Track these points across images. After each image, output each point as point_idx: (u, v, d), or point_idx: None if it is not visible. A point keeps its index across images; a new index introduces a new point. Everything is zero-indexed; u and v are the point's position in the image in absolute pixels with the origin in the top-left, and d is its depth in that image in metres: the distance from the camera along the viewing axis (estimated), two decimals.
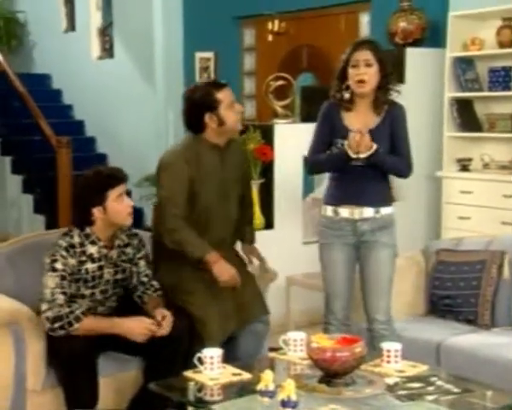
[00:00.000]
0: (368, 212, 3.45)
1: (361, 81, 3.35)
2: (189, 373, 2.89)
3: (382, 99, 3.41)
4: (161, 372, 3.08)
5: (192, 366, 2.91)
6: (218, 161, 3.48)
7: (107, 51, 8.32)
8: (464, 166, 5.21)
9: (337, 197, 3.49)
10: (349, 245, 3.49)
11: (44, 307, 3.12)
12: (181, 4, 7.60)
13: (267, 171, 4.95)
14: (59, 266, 3.16)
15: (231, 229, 3.58)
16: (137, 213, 7.78)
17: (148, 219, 7.70)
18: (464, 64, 5.20)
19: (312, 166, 3.61)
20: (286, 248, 5.01)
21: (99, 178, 3.24)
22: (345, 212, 3.47)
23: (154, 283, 3.42)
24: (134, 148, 7.86)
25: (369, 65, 3.35)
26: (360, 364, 2.79)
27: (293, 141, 4.97)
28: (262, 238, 4.12)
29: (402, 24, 5.42)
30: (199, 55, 7.40)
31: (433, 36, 5.46)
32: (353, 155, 3.34)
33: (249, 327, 3.56)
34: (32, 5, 9.03)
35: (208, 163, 3.44)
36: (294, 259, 4.97)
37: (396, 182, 5.21)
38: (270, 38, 6.74)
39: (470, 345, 3.48)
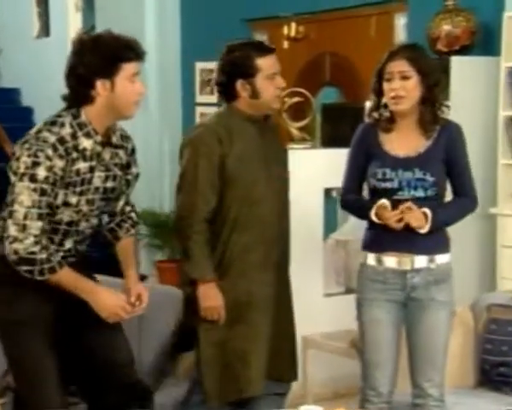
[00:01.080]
0: (420, 261, 3.41)
1: (397, 97, 3.34)
2: None
3: (429, 117, 3.39)
4: None
5: None
6: (256, 133, 3.52)
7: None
8: None
9: (381, 242, 3.45)
10: (396, 302, 3.45)
11: (13, 231, 3.03)
12: (178, 5, 7.67)
13: None
14: (41, 172, 3.00)
15: (283, 227, 3.63)
16: None
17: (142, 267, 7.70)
18: None
19: (344, 206, 3.65)
20: (303, 301, 4.93)
21: (114, 43, 3.07)
22: (391, 261, 3.42)
23: (133, 215, 3.42)
24: None
25: (405, 77, 3.34)
26: None
27: (311, 170, 4.96)
28: None
29: (446, 27, 5.43)
30: (200, 65, 7.45)
31: (484, 41, 5.47)
32: (377, 221, 3.37)
33: (274, 387, 3.62)
34: None
35: (244, 136, 3.48)
36: (313, 315, 4.93)
37: None
38: (285, 44, 6.80)
39: None
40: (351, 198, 3.54)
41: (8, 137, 7.68)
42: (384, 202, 3.36)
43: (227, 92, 3.53)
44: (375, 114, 3.45)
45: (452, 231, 5.18)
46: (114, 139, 3.25)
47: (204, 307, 3.48)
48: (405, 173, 3.37)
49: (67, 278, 3.11)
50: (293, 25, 6.69)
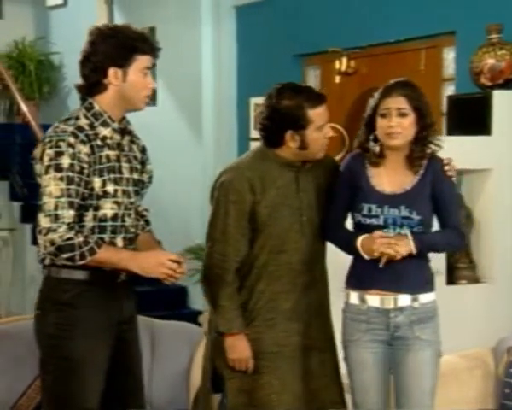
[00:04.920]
0: (403, 300, 3.35)
1: (392, 133, 3.29)
2: None
3: (419, 154, 3.34)
4: None
5: None
6: (292, 179, 3.42)
7: (150, 97, 8.50)
8: None
9: (364, 280, 3.40)
10: (381, 342, 3.39)
11: (45, 223, 3.00)
12: (235, 42, 7.75)
13: None
14: (65, 160, 3.00)
15: (316, 274, 3.52)
16: (180, 293, 7.84)
17: (193, 300, 7.73)
18: None
19: (328, 240, 3.57)
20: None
21: (131, 34, 3.13)
22: (374, 299, 3.37)
23: (146, 213, 3.41)
24: (177, 213, 7.97)
25: (402, 115, 3.30)
26: None
27: None
28: None
29: (490, 61, 5.31)
30: (254, 100, 7.47)
31: None
32: (366, 257, 3.30)
33: None
34: (68, 45, 9.36)
35: (278, 183, 3.39)
36: None
37: (482, 258, 5.08)
38: (337, 79, 6.80)
39: None
40: (340, 232, 3.47)
41: None
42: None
43: (272, 139, 3.42)
44: (365, 145, 3.40)
45: (494, 268, 5.06)
46: (131, 128, 3.27)
47: (231, 358, 3.39)
48: (391, 211, 3.32)
49: (107, 254, 3.07)
50: (344, 59, 6.69)
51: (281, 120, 3.35)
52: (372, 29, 6.50)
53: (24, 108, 8.06)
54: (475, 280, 5.08)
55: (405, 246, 3.25)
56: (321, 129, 3.37)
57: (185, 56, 7.94)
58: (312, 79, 7.27)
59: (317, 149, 3.40)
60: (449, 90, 6.09)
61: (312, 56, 7.18)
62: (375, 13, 6.51)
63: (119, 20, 8.77)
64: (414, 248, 3.26)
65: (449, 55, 6.14)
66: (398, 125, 3.29)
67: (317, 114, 3.36)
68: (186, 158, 7.90)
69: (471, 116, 5.21)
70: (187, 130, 7.97)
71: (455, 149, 4.71)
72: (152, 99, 8.48)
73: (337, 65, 6.74)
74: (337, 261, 3.92)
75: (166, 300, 7.56)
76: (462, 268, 5.11)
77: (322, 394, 3.48)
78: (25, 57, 9.37)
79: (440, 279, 4.74)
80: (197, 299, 7.58)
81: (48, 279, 3.15)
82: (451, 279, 5.04)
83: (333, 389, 3.51)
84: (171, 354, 3.84)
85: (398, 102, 3.30)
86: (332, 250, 3.63)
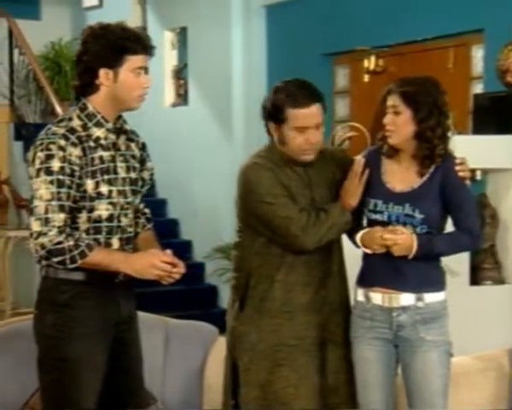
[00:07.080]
0: (406, 299, 3.26)
1: (388, 131, 3.25)
2: None
3: (424, 153, 3.25)
4: None
5: None
6: (303, 173, 3.40)
7: (182, 97, 8.56)
8: None
9: (368, 277, 3.35)
10: (385, 340, 3.31)
11: (36, 227, 2.93)
12: (264, 41, 7.76)
13: None
14: (56, 164, 2.94)
15: (332, 266, 3.45)
16: (210, 293, 7.86)
17: (223, 299, 7.74)
18: None
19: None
20: None
21: (122, 34, 3.03)
22: (376, 297, 3.31)
23: (147, 211, 3.36)
24: (207, 212, 7.99)
25: (396, 113, 3.23)
26: None
27: None
28: None
29: None
30: None
31: None
32: (368, 251, 3.27)
33: None
34: None
35: (288, 178, 3.37)
36: None
37: (508, 258, 5.00)
38: (365, 78, 6.76)
39: None
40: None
41: None
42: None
43: (266, 128, 3.43)
44: (381, 143, 3.36)
45: None
46: (127, 127, 3.20)
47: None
48: (396, 207, 3.25)
49: (99, 257, 2.99)
50: (373, 58, 6.65)
51: (266, 111, 3.38)
52: (400, 27, 6.48)
53: (58, 108, 8.16)
54: (500, 281, 5.00)
55: (403, 250, 3.20)
56: (300, 131, 3.30)
57: (216, 56, 7.96)
58: (341, 77, 7.26)
59: (295, 148, 3.33)
60: (477, 88, 6.02)
61: (341, 55, 7.19)
62: (403, 11, 6.48)
63: (152, 21, 8.85)
64: (412, 254, 3.21)
65: (477, 54, 6.09)
66: (391, 123, 3.23)
67: (295, 113, 3.29)
68: (216, 157, 7.92)
69: (496, 115, 5.13)
70: (217, 129, 8.00)
71: (480, 148, 4.68)
72: (183, 99, 8.59)
73: (366, 64, 6.71)
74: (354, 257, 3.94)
75: (196, 299, 7.58)
76: (487, 269, 5.03)
77: (343, 388, 3.44)
78: (61, 58, 9.45)
79: (462, 280, 4.71)
80: (227, 298, 7.59)
81: (45, 280, 3.11)
82: (476, 280, 4.98)
83: (353, 384, 3.45)
84: (185, 354, 3.83)
85: (392, 100, 3.23)
86: (349, 245, 3.60)
